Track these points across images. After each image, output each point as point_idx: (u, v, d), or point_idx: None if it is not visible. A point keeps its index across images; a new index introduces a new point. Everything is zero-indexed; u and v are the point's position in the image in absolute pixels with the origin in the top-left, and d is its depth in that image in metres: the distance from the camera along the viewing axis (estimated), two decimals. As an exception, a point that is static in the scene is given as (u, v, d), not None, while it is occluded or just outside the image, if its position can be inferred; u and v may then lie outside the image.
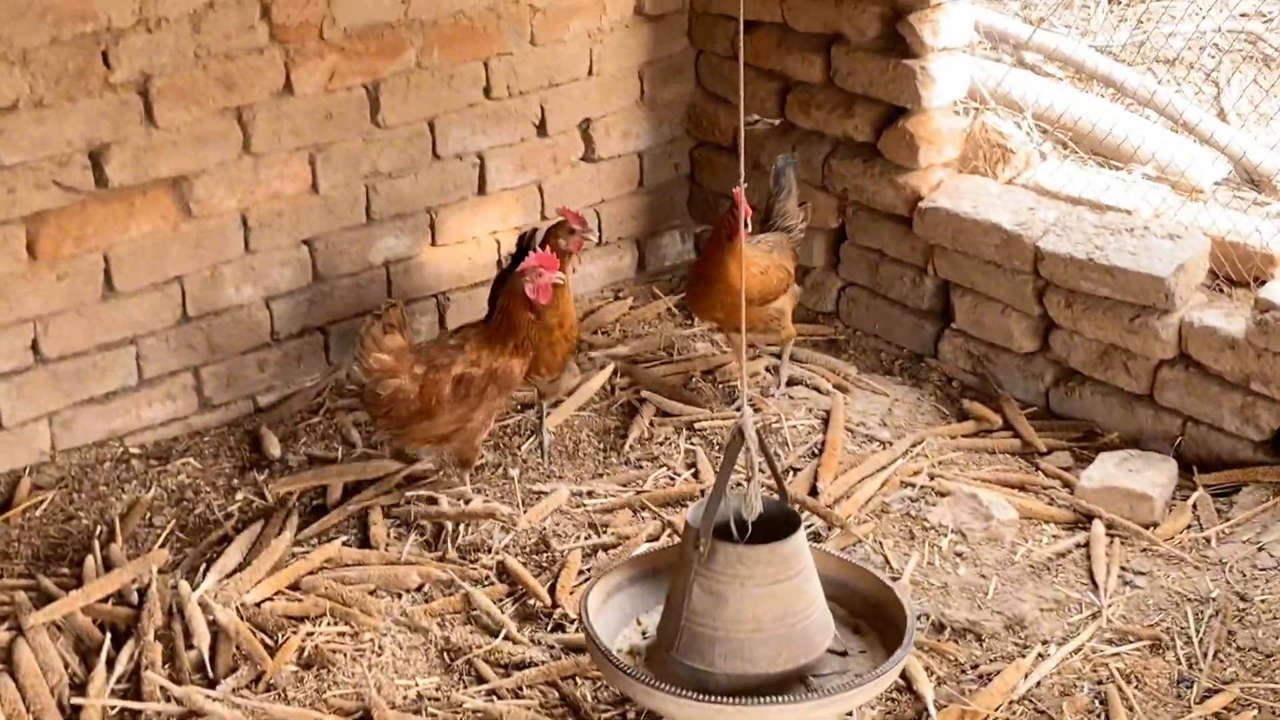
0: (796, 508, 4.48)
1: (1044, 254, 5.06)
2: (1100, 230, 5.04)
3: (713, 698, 3.31)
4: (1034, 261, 5.10)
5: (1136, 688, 3.85)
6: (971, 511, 4.58)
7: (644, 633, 3.79)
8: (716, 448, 4.96)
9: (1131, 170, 5.85)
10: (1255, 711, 3.74)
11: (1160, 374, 4.92)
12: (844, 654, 3.61)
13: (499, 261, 5.63)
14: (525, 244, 5.01)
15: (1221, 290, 5.04)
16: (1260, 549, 4.36)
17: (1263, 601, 4.14)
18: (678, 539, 4.16)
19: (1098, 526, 4.49)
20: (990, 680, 3.86)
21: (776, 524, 3.53)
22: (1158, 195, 5.37)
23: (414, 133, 5.33)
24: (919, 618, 4.07)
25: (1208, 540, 4.46)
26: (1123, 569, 4.34)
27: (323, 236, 5.24)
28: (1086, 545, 4.44)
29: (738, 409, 3.64)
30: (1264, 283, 4.85)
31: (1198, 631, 4.04)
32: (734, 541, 3.49)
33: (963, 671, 3.94)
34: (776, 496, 3.62)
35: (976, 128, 5.54)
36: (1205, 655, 3.95)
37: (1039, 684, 3.87)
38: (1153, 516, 4.56)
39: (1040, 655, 3.97)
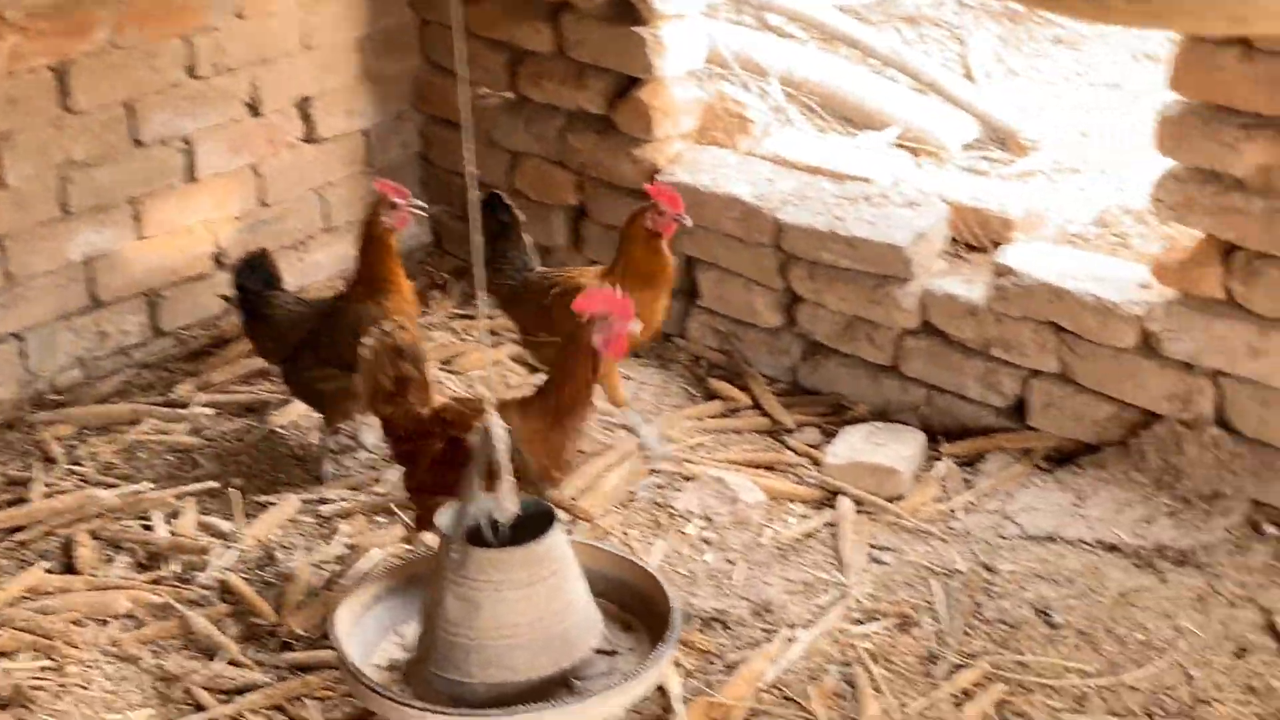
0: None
1: (784, 226, 5.09)
2: (840, 200, 5.09)
3: (462, 711, 3.25)
4: (775, 234, 5.13)
5: (885, 667, 3.90)
6: (718, 495, 4.59)
7: (404, 646, 3.70)
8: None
9: (882, 132, 5.95)
10: (1004, 685, 3.81)
11: (904, 344, 5.00)
12: (613, 653, 3.58)
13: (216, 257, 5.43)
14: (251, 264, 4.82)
15: (962, 257, 5.15)
16: (1005, 518, 4.45)
17: (1010, 572, 4.23)
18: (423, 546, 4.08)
19: (844, 504, 4.54)
20: (737, 669, 3.87)
21: (538, 523, 3.47)
22: (897, 162, 5.45)
23: (111, 117, 5.09)
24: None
25: (954, 512, 4.55)
26: (870, 546, 4.39)
27: (13, 234, 4.98)
28: (834, 524, 4.49)
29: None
30: (1002, 247, 4.96)
31: (945, 606, 4.11)
32: (488, 545, 3.42)
33: (710, 662, 3.93)
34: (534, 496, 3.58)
35: (714, 97, 5.55)
36: (953, 630, 4.01)
37: (787, 670, 3.88)
38: (900, 490, 4.63)
39: (788, 640, 3.99)
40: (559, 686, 3.36)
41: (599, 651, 3.47)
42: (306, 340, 4.73)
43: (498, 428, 3.40)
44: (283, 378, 4.88)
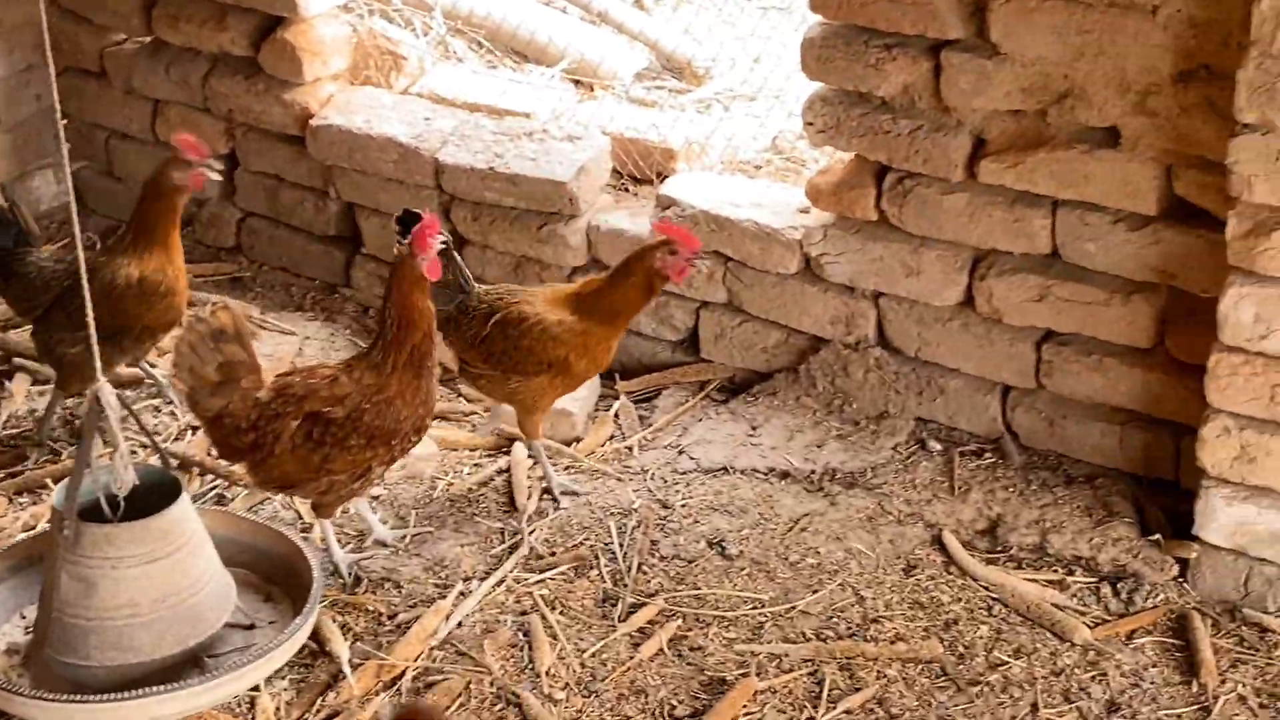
0: (185, 473, 4.33)
1: (444, 167, 5.02)
2: (499, 137, 5.05)
3: (74, 697, 3.13)
4: (435, 175, 5.06)
5: (562, 613, 3.91)
6: (388, 449, 4.52)
7: (27, 629, 3.56)
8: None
9: (553, 67, 5.92)
10: (680, 621, 3.87)
11: (574, 280, 4.99)
12: (251, 627, 3.49)
13: None
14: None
15: (629, 190, 5.17)
16: (680, 452, 4.51)
17: (683, 506, 4.29)
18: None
19: (518, 450, 4.52)
20: (409, 629, 3.83)
21: (164, 495, 3.36)
22: (559, 96, 5.44)
23: None
24: (332, 574, 3.99)
25: (630, 450, 4.59)
26: (545, 491, 4.40)
27: None
28: (509, 471, 4.48)
29: None
30: (666, 178, 5.01)
31: (621, 546, 4.15)
32: (105, 521, 3.30)
33: (380, 624, 3.88)
34: (160, 465, 3.46)
35: (364, 34, 5.44)
36: (629, 570, 4.05)
37: (460, 625, 3.86)
38: (575, 432, 4.64)
39: (462, 594, 3.97)
40: (189, 666, 3.27)
41: (234, 626, 3.39)
42: (59, 300, 4.41)
43: (108, 395, 3.26)
44: (33, 339, 4.62)
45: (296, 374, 3.88)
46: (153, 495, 3.35)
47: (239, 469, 3.91)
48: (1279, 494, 3.74)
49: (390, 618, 3.89)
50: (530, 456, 4.40)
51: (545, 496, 4.32)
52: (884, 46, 4.20)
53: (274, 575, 3.62)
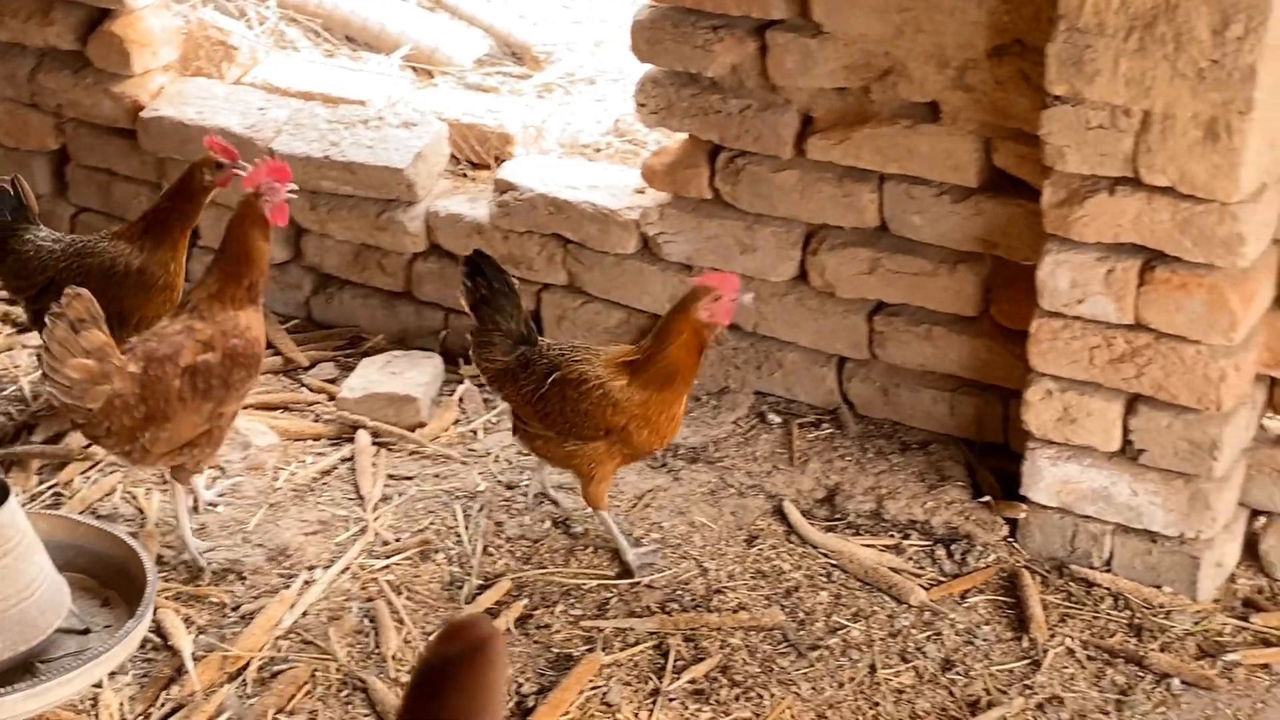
0: (26, 471, 4.30)
1: (280, 157, 5.01)
2: (335, 125, 5.06)
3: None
4: (271, 165, 5.06)
5: (408, 598, 3.95)
6: (228, 442, 4.52)
7: None
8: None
9: (391, 54, 5.94)
10: (526, 600, 3.93)
11: (415, 268, 5.04)
12: (86, 631, 3.48)
13: None
14: None
15: (467, 176, 5.21)
16: (524, 434, 4.57)
17: (527, 485, 4.36)
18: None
19: (362, 437, 4.55)
20: (253, 619, 3.85)
21: None
22: (394, 83, 5.46)
23: None
24: (176, 568, 4.00)
25: (475, 433, 4.64)
26: (390, 477, 4.43)
27: None
28: (352, 459, 4.51)
29: None
30: (504, 162, 5.06)
31: (466, 529, 4.20)
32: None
33: (224, 615, 3.89)
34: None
35: (195, 25, 5.41)
36: (474, 552, 4.10)
37: (305, 614, 3.88)
38: (419, 417, 4.67)
39: (306, 583, 3.99)
40: (19, 671, 3.26)
41: (69, 631, 3.38)
42: (54, 280, 4.35)
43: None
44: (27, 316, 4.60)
45: (149, 339, 3.91)
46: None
47: (121, 455, 3.93)
48: (1100, 453, 3.90)
49: (234, 609, 3.91)
50: (599, 527, 4.12)
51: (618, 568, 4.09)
52: (711, 28, 4.29)
53: (111, 579, 3.61)
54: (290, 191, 4.00)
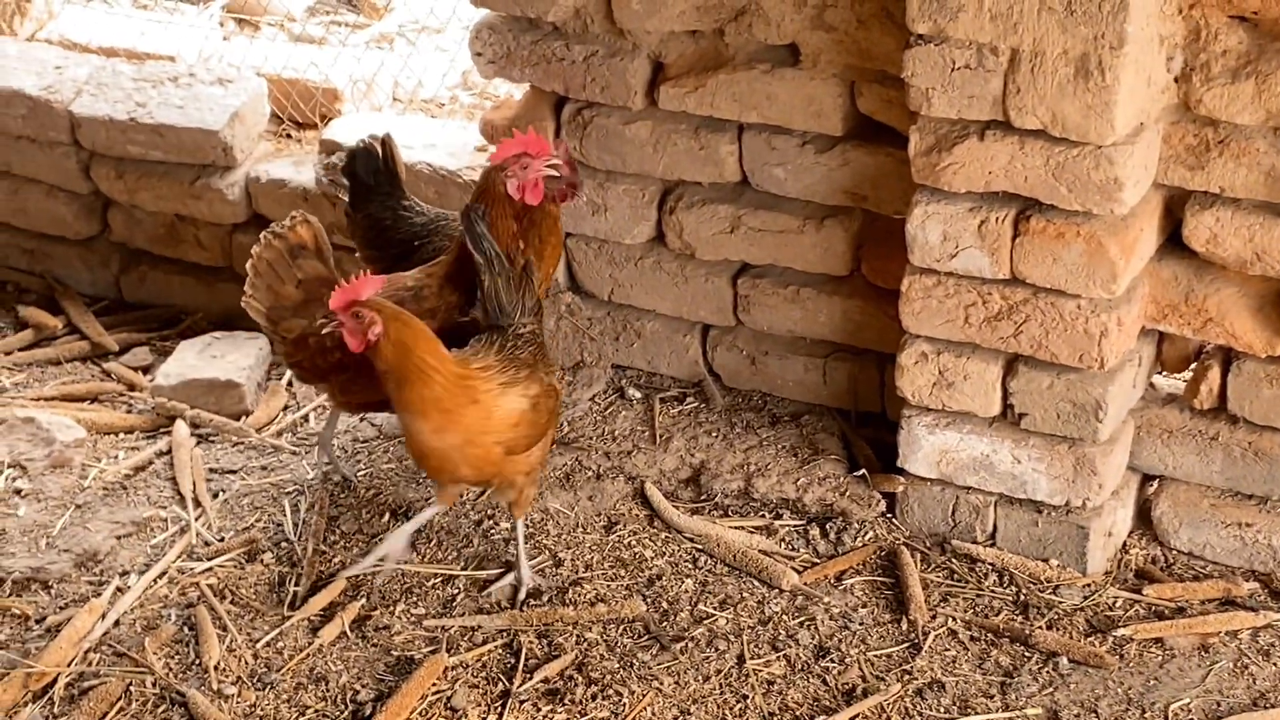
0: None
1: (80, 119, 4.96)
2: (141, 84, 5.00)
3: None
4: (71, 130, 4.99)
5: (232, 602, 3.93)
6: (30, 438, 4.45)
7: None
8: None
9: (210, 4, 5.87)
10: (364, 600, 3.92)
11: (236, 240, 4.99)
12: None
13: None
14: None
15: (292, 136, 5.18)
16: (361, 419, 4.55)
17: (364, 477, 4.34)
18: None
19: (180, 429, 4.51)
20: (60, 632, 3.80)
21: None
22: (207, 37, 5.41)
23: None
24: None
25: (306, 420, 4.61)
26: (212, 471, 4.39)
27: None
28: (169, 453, 4.46)
29: None
30: (331, 121, 5.03)
31: (295, 526, 4.18)
32: None
33: (28, 628, 3.84)
34: None
35: (-20, -24, 5.33)
36: (305, 551, 4.08)
37: (118, 624, 3.84)
38: (244, 405, 4.64)
39: (119, 590, 3.95)
40: None
41: None
42: (408, 253, 4.21)
43: None
44: None
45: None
46: None
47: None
48: (980, 419, 3.96)
49: (38, 621, 3.86)
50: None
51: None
52: (551, -33, 4.29)
53: None
54: (549, 166, 3.94)
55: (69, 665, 3.71)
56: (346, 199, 4.38)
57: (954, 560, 4.04)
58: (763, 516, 4.19)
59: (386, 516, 4.20)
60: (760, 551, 4.05)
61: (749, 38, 4.15)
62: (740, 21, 4.14)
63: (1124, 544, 4.10)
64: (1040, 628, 3.81)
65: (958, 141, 3.73)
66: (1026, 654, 3.75)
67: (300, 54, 5.32)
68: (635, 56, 4.30)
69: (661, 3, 4.18)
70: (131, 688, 3.66)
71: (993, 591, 3.94)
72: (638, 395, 4.59)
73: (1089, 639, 3.79)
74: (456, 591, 3.96)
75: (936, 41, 3.65)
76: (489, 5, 4.42)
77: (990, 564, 4.01)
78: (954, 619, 3.86)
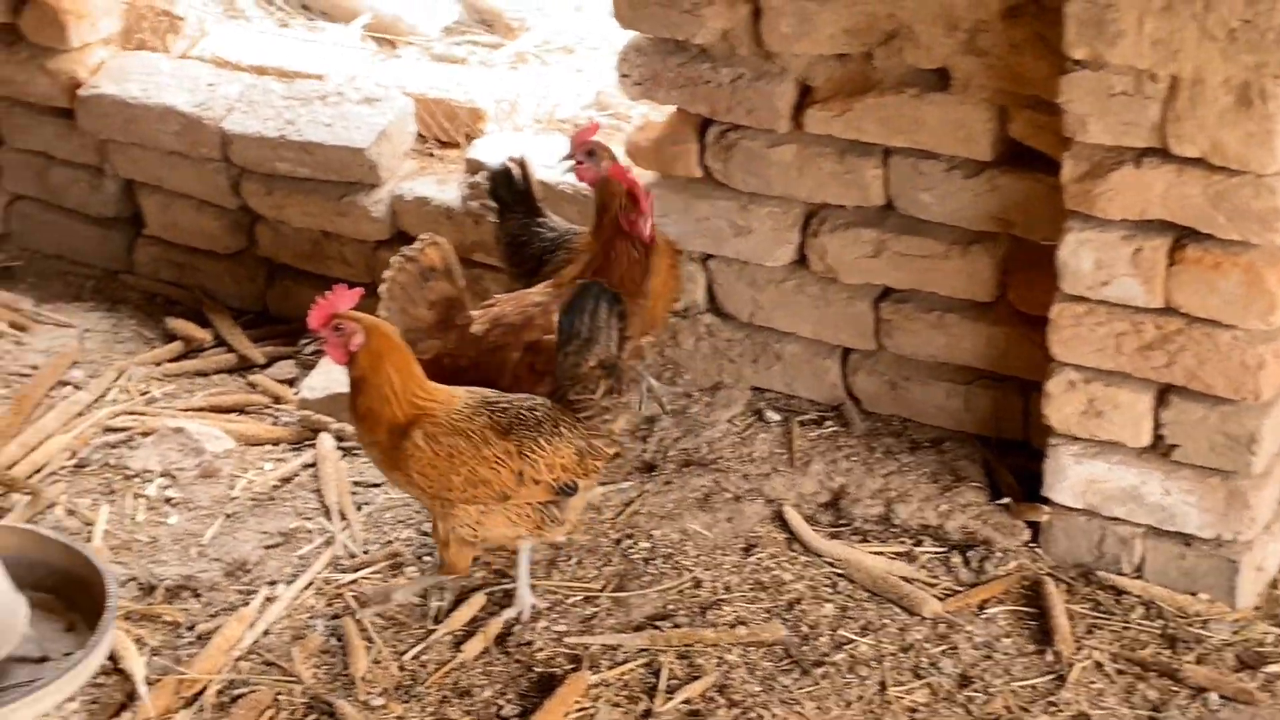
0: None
1: (231, 137, 5.02)
2: (291, 102, 5.06)
3: None
4: (222, 146, 5.06)
5: (377, 615, 3.95)
6: (181, 448, 4.51)
7: None
8: None
9: (350, 23, 5.92)
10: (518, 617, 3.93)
11: (380, 257, 5.02)
12: (42, 660, 3.46)
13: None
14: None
15: (435, 155, 5.21)
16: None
17: (506, 493, 4.35)
18: None
19: (325, 441, 4.54)
20: (210, 640, 3.84)
21: None
22: (355, 55, 5.45)
23: None
24: (124, 584, 3.99)
25: (447, 435, 4.63)
26: (356, 484, 4.42)
27: None
28: (315, 465, 4.50)
29: None
30: (475, 140, 5.05)
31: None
32: None
33: (179, 635, 3.88)
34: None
35: (135, -6, 5.41)
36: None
37: (267, 632, 3.88)
38: (386, 419, 4.67)
39: (267, 599, 3.99)
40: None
41: (22, 660, 3.37)
42: (539, 268, 4.33)
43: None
44: None
45: (504, 303, 4.02)
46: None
47: None
48: (1129, 449, 3.90)
49: (189, 628, 3.90)
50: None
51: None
52: (700, -10, 4.29)
53: (77, 601, 3.59)
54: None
55: (219, 672, 3.74)
56: (494, 218, 4.44)
57: (1099, 592, 3.97)
58: (903, 543, 4.14)
59: (527, 533, 4.21)
60: (901, 578, 4.01)
61: (898, 61, 4.12)
62: (890, 45, 4.11)
63: (1274, 579, 4.01)
64: (1189, 662, 3.73)
65: (1113, 168, 3.67)
66: (1174, 689, 3.68)
67: (446, 74, 5.34)
68: (782, 79, 4.28)
69: (811, 26, 4.17)
70: (280, 697, 3.68)
71: (1139, 624, 3.87)
72: (776, 418, 4.57)
73: (1238, 675, 3.71)
74: (597, 609, 3.95)
75: (1094, 67, 3.60)
76: (636, 27, 4.43)
77: (1137, 596, 3.93)
78: (1100, 651, 3.79)
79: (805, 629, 3.88)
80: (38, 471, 4.46)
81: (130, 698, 3.67)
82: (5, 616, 3.38)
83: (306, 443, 4.60)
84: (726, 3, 4.25)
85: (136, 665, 3.72)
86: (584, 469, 3.70)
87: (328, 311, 3.61)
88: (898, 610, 3.93)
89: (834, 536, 4.17)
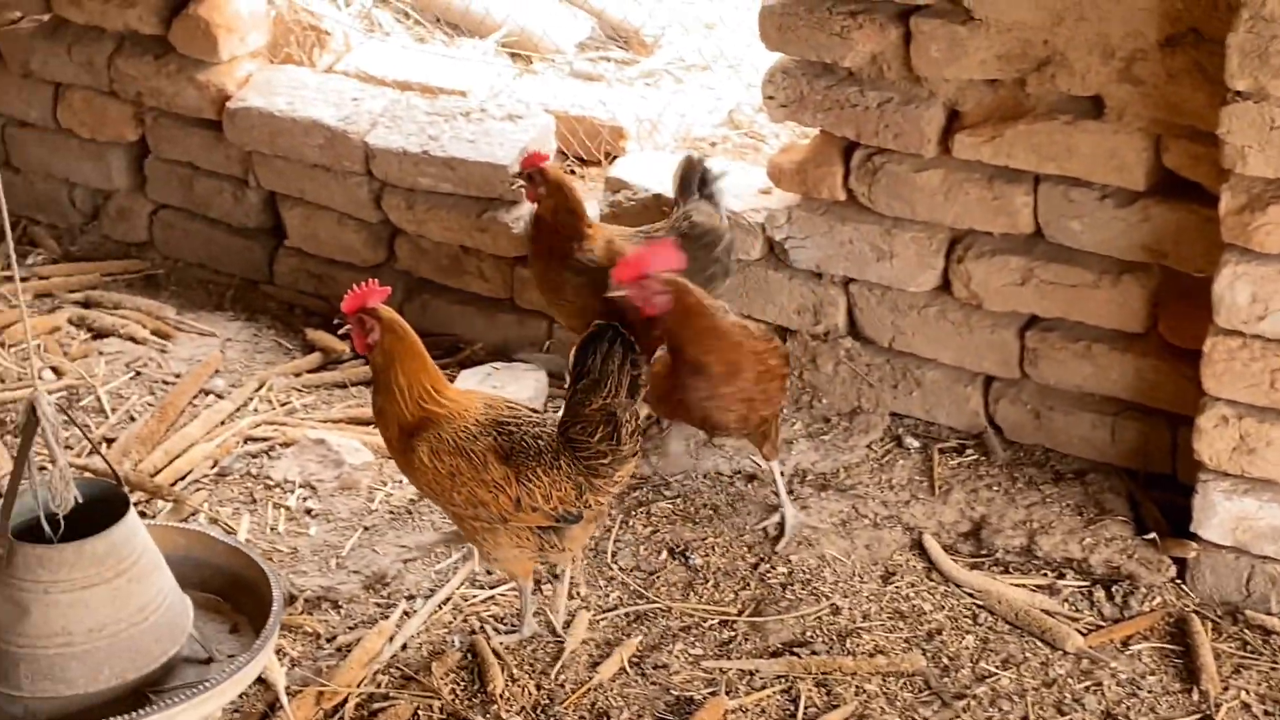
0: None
1: (374, 151, 5.05)
2: (434, 118, 5.08)
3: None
4: (365, 160, 5.08)
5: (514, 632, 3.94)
6: (321, 460, 4.54)
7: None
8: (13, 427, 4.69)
9: (486, 39, 5.95)
10: (642, 636, 3.90)
11: (518, 273, 5.03)
12: (208, 661, 3.48)
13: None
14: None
15: (575, 172, 5.21)
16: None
17: (645, 514, 4.32)
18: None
19: (462, 455, 4.55)
20: (350, 652, 3.85)
21: (113, 511, 3.36)
22: (498, 71, 5.47)
23: None
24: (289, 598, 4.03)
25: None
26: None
27: None
28: (451, 479, 4.50)
29: None
30: (615, 159, 5.05)
31: (575, 559, 4.17)
32: (44, 540, 3.30)
33: (319, 647, 3.90)
34: (109, 480, 3.46)
35: (284, 8, 5.45)
36: (585, 583, 4.08)
37: (405, 647, 3.88)
38: (523, 436, 4.66)
39: (405, 613, 3.99)
40: (130, 700, 3.27)
41: (189, 660, 3.39)
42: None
43: (46, 404, 3.26)
44: None
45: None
46: (106, 512, 3.34)
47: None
48: (1281, 486, 3.82)
49: (329, 640, 3.91)
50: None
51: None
52: (849, 13, 4.25)
53: (243, 603, 3.61)
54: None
55: (359, 685, 3.75)
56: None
57: (1247, 631, 3.88)
58: (1045, 575, 4.08)
59: (663, 554, 4.19)
60: (1043, 611, 3.95)
61: (1051, 88, 4.06)
62: (1043, 72, 4.05)
63: None
64: (1340, 706, 3.65)
65: (1273, 201, 3.60)
66: (1325, 733, 3.60)
67: (587, 92, 5.35)
68: (931, 104, 4.24)
69: (962, 51, 4.12)
70: (420, 711, 3.68)
71: (1289, 666, 3.79)
72: (915, 444, 4.52)
73: (1392, 721, 3.62)
74: (734, 634, 3.92)
75: (1256, 98, 3.53)
76: (784, 50, 4.41)
77: (1287, 636, 3.85)
78: (1247, 692, 3.71)
79: (945, 660, 3.83)
80: (181, 479, 4.50)
81: (272, 707, 3.69)
82: (173, 618, 3.40)
83: (444, 457, 4.61)
84: (876, 27, 4.21)
85: (278, 675, 3.73)
86: (583, 503, 3.67)
87: (358, 302, 3.70)
88: (1039, 644, 3.87)
89: (974, 567, 4.11)
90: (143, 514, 4.32)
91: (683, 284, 3.91)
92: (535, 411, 3.81)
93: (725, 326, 4.02)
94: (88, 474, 4.04)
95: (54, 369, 4.98)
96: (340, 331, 3.78)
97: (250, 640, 3.48)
